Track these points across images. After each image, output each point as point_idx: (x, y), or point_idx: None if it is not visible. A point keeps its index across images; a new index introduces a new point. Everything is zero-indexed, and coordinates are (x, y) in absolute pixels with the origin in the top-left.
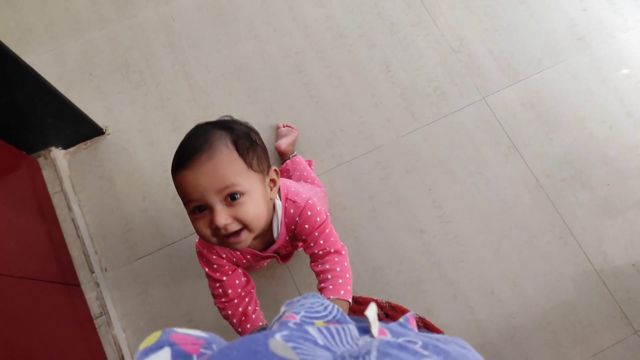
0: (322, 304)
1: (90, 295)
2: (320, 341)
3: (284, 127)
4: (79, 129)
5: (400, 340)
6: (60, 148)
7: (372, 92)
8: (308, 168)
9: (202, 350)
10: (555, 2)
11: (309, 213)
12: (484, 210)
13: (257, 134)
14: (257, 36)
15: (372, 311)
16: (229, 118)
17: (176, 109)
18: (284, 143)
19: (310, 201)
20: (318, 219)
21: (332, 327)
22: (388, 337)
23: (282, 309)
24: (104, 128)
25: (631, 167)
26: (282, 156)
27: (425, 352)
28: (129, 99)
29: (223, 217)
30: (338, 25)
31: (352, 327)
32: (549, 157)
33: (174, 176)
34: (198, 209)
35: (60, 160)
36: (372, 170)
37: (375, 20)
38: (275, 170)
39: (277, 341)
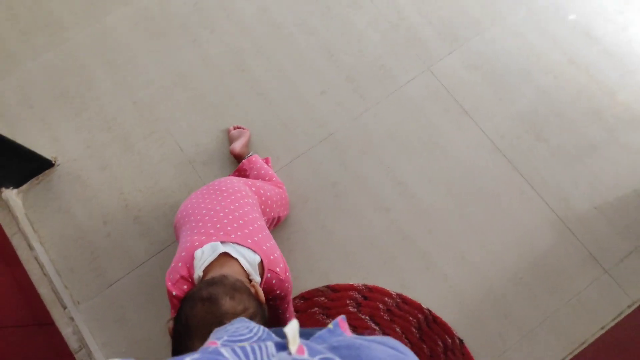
0: (247, 327)
1: (66, 331)
2: None
3: (234, 129)
4: (27, 165)
5: (315, 358)
6: (11, 188)
7: (318, 80)
8: (265, 166)
9: None
10: None
11: (287, 285)
12: (444, 179)
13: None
14: (195, 41)
15: (291, 328)
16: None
17: (123, 129)
18: (237, 146)
19: (287, 274)
20: (289, 289)
21: (247, 346)
22: (305, 355)
23: (209, 337)
24: (53, 159)
25: (580, 112)
26: (238, 158)
27: None
28: (73, 126)
29: None
30: (274, 17)
31: (270, 345)
32: (500, 116)
33: None
34: None
35: (13, 200)
36: (329, 157)
37: (310, 6)
38: (253, 285)
39: None
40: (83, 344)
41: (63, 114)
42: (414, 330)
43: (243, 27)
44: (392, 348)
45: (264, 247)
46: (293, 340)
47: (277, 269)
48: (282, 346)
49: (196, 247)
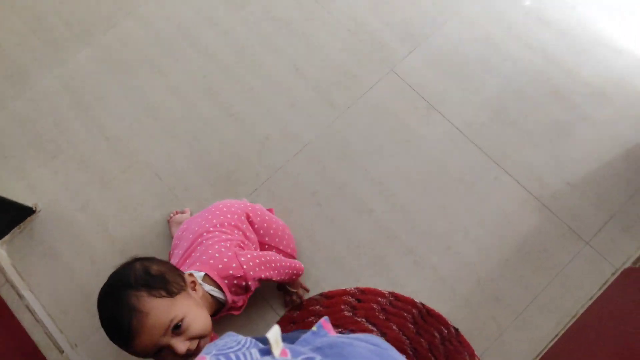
0: (235, 340)
1: None
2: None
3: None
4: (8, 215)
5: (298, 359)
6: None
7: (287, 94)
8: (267, 213)
9: None
10: None
11: (254, 272)
12: (420, 174)
13: (153, 261)
14: (161, 71)
15: (272, 333)
16: (123, 266)
17: (100, 166)
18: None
19: (246, 265)
20: (261, 271)
21: (232, 354)
22: (288, 357)
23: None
24: (34, 206)
25: (541, 94)
26: None
27: None
28: (50, 170)
29: (182, 346)
30: (236, 39)
31: (254, 351)
32: (465, 106)
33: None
34: (158, 353)
35: None
36: (307, 167)
37: (271, 24)
38: (189, 274)
39: None
40: None
41: (38, 160)
42: (410, 325)
43: (207, 51)
44: (374, 345)
45: (210, 262)
46: (276, 344)
47: (231, 271)
48: (267, 351)
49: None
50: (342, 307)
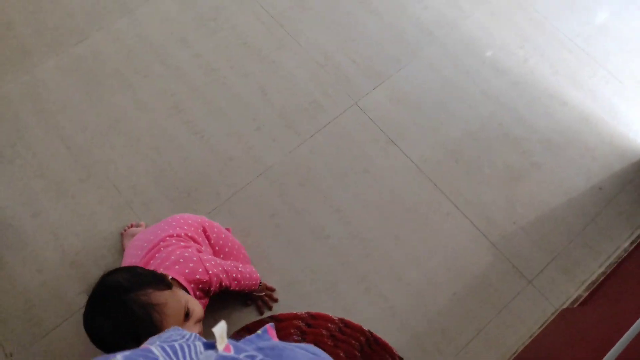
0: (179, 334)
1: None
2: (162, 359)
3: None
4: None
5: (241, 355)
6: None
7: (253, 117)
8: (224, 231)
9: None
10: (399, 6)
11: (219, 276)
12: (377, 204)
13: (134, 267)
14: (129, 86)
15: (218, 328)
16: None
17: (57, 174)
18: None
19: (211, 270)
20: (226, 275)
21: (176, 344)
22: (231, 352)
23: (144, 344)
24: None
25: (492, 137)
26: None
27: None
28: (5, 174)
29: (196, 330)
30: (208, 62)
31: (198, 344)
32: (423, 143)
33: None
34: None
35: None
36: (267, 190)
37: (242, 50)
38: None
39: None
40: None
41: None
42: (357, 353)
43: (178, 71)
44: (313, 354)
45: (176, 267)
46: (221, 339)
47: (197, 276)
48: (211, 346)
49: None
50: (292, 330)
